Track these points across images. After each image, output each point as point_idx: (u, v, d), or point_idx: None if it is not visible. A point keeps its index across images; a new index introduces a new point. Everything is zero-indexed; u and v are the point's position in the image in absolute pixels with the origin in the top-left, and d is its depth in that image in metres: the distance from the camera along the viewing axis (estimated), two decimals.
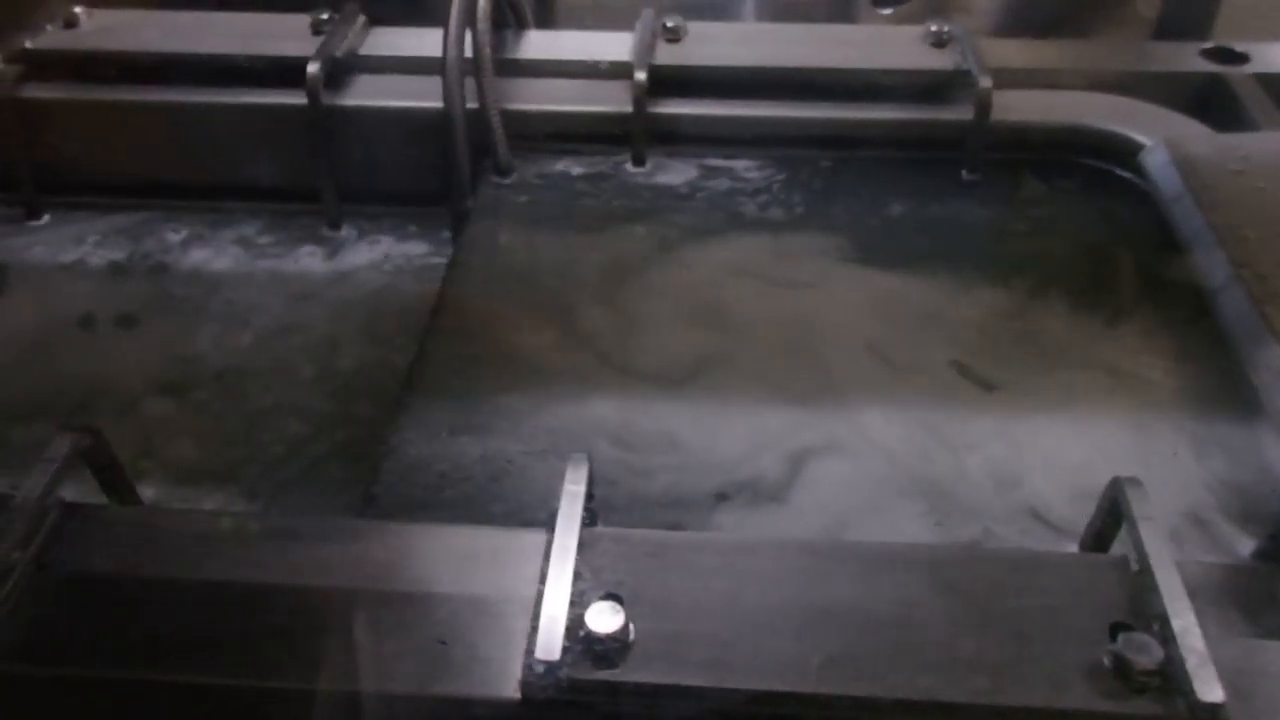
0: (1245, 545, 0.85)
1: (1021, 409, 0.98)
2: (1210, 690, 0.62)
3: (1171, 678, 0.63)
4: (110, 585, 0.71)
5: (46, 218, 1.38)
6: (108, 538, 0.74)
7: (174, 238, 1.35)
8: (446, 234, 1.31)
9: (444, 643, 0.66)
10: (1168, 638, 0.65)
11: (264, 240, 1.35)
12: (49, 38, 1.36)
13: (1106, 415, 0.97)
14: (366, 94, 1.32)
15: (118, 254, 1.33)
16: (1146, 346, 1.04)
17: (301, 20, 1.36)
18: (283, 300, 1.26)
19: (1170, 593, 0.67)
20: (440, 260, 1.29)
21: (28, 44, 1.34)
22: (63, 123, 1.34)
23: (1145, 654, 0.64)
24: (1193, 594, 0.66)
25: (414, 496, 0.88)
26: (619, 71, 1.30)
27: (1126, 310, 1.08)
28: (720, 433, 0.95)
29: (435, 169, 1.25)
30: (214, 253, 1.33)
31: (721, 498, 0.89)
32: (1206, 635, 0.64)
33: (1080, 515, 0.81)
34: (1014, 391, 1.00)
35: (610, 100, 1.29)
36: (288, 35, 1.34)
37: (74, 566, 0.72)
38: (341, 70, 1.33)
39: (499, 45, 1.32)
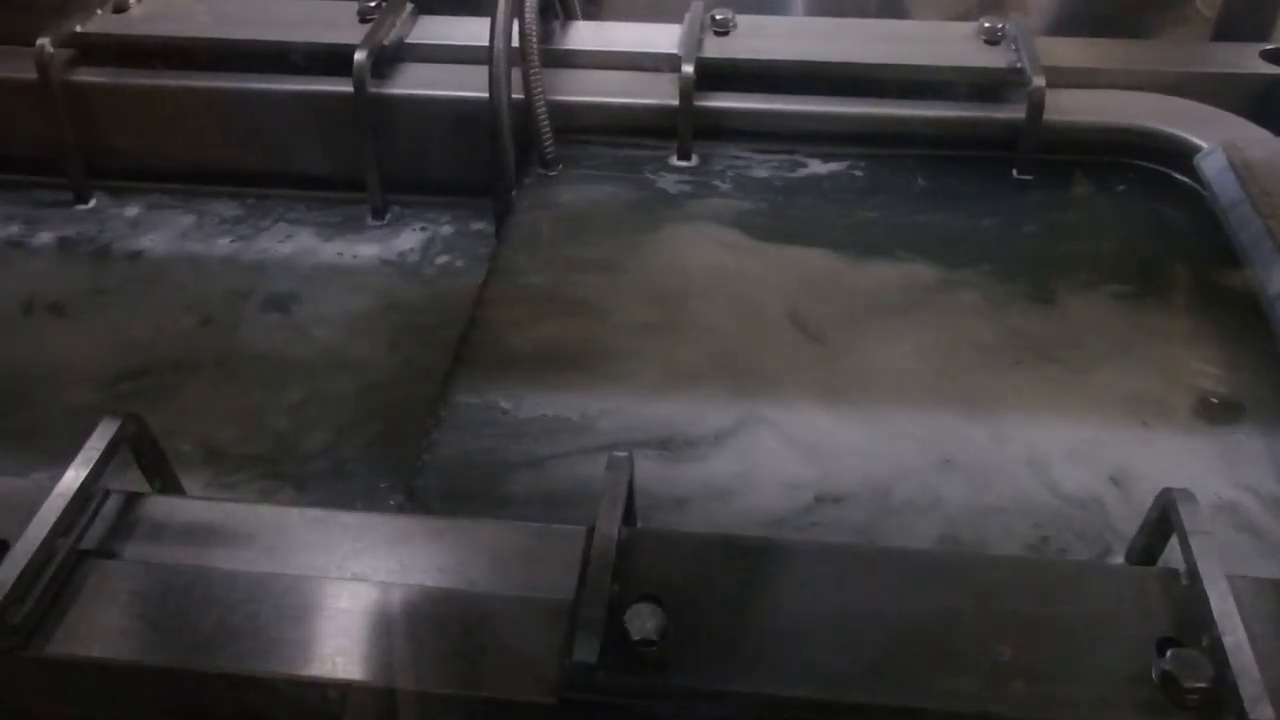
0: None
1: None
2: (1261, 710, 0.61)
3: (1221, 696, 0.62)
4: (152, 574, 0.71)
5: (94, 201, 1.39)
6: (151, 526, 0.74)
7: (215, 224, 1.36)
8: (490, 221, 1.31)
9: (483, 646, 0.65)
10: (1218, 655, 0.63)
11: (306, 226, 1.36)
12: (99, 22, 1.36)
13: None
14: (413, 83, 1.32)
15: (165, 240, 1.34)
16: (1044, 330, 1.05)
17: (349, 8, 1.36)
18: (328, 289, 1.27)
19: (1221, 608, 0.65)
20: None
21: (78, 28, 1.35)
22: (111, 107, 1.35)
23: (1195, 671, 0.63)
24: (1244, 610, 0.65)
25: (454, 491, 0.88)
26: (667, 64, 1.29)
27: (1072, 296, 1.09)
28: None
29: (480, 159, 1.24)
30: (252, 236, 1.35)
31: None
32: (1258, 653, 0.63)
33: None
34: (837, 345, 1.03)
35: (657, 93, 1.28)
36: (335, 23, 1.34)
37: (116, 554, 0.72)
38: (388, 58, 1.33)
39: (546, 36, 1.31)
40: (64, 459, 0.73)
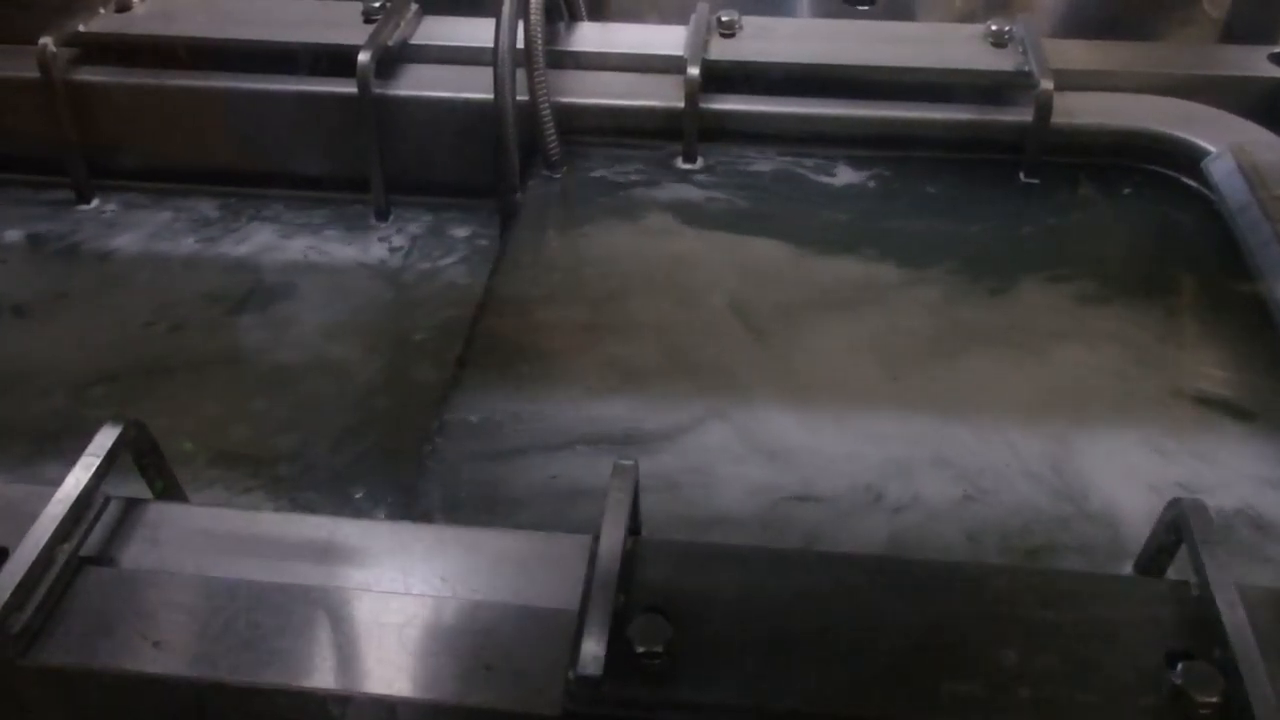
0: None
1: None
2: None
3: (1233, 711, 0.61)
4: (152, 582, 0.70)
5: (96, 201, 1.39)
6: (151, 533, 0.73)
7: (200, 224, 1.36)
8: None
9: (486, 657, 0.65)
10: (1229, 668, 0.63)
11: (311, 228, 1.35)
12: (102, 21, 1.36)
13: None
14: (417, 84, 1.31)
15: (141, 240, 1.34)
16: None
17: (353, 8, 1.35)
18: (310, 291, 1.26)
19: (1232, 620, 0.65)
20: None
21: (81, 27, 1.34)
22: (114, 107, 1.35)
23: (1206, 685, 0.62)
24: (1256, 622, 0.64)
25: (457, 498, 0.87)
26: (672, 66, 1.28)
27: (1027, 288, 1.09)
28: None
29: (485, 161, 1.24)
30: (237, 237, 1.34)
31: None
32: (1270, 667, 0.62)
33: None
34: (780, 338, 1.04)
35: (662, 95, 1.27)
36: (339, 23, 1.34)
37: (117, 561, 0.72)
38: (393, 59, 1.32)
39: (551, 37, 1.30)
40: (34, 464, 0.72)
